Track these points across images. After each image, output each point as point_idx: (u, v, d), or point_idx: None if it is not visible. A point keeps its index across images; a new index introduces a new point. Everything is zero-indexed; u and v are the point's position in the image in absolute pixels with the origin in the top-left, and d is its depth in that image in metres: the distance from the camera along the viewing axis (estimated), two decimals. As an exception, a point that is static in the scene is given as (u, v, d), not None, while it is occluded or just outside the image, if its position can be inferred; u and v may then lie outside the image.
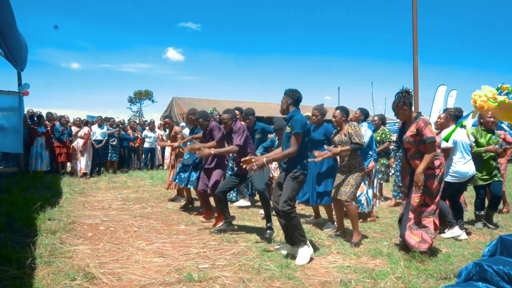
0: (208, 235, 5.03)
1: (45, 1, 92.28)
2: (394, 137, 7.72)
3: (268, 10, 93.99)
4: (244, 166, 4.09)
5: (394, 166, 7.94)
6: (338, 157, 5.03)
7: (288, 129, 4.11)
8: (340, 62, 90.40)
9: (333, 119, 4.95)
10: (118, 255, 4.15)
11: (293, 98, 4.21)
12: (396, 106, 4.21)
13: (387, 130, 7.17)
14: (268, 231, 4.88)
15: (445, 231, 5.05)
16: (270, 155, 4.07)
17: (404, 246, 4.36)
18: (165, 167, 13.21)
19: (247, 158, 4.13)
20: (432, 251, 4.24)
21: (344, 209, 4.87)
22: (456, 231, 4.98)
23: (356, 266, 3.88)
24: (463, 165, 4.99)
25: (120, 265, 3.86)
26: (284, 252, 4.21)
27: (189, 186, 6.39)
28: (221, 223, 5.30)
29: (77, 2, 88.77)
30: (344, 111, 4.92)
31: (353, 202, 4.80)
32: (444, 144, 4.97)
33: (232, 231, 5.14)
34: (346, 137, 4.79)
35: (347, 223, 5.22)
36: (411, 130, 4.12)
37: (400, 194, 7.40)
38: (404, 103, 4.15)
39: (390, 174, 8.23)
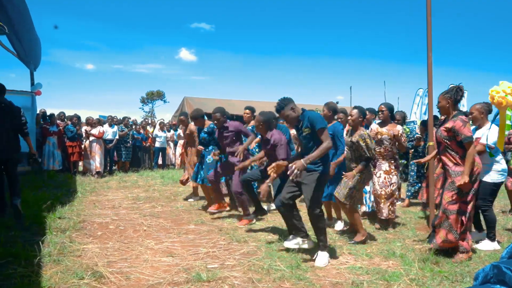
0: (218, 234, 4.97)
1: (61, 2, 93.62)
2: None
3: (280, 11, 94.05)
4: (271, 173, 4.08)
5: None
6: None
7: (306, 130, 3.96)
8: (352, 62, 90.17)
9: (349, 118, 4.81)
10: (127, 254, 4.12)
11: (292, 101, 4.07)
12: (442, 95, 4.10)
13: (407, 129, 7.09)
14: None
15: (481, 242, 4.63)
16: (307, 156, 3.83)
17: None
18: (176, 167, 13.22)
19: (278, 163, 4.13)
20: (451, 252, 4.08)
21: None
22: (495, 245, 4.54)
23: (368, 267, 3.78)
24: (504, 163, 4.73)
25: (129, 264, 3.82)
26: (295, 245, 4.20)
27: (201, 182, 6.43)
28: (226, 208, 5.71)
29: (91, 3, 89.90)
30: (362, 112, 4.79)
31: (358, 205, 4.74)
32: (484, 141, 4.54)
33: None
34: (351, 142, 4.69)
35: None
36: (446, 125, 4.00)
37: (414, 194, 7.27)
38: (451, 96, 4.04)
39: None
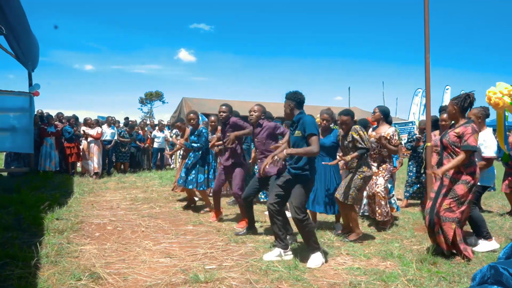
0: (216, 235, 4.97)
1: (60, 4, 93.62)
2: (404, 137, 7.60)
3: (280, 12, 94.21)
4: (262, 172, 4.11)
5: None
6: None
7: (297, 132, 3.97)
8: (351, 62, 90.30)
9: (340, 122, 4.82)
10: (125, 255, 4.12)
11: (296, 100, 4.06)
12: (452, 101, 4.10)
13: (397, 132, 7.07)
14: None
15: (479, 243, 4.57)
16: (292, 149, 3.89)
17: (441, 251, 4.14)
18: (174, 166, 13.21)
19: (266, 161, 4.03)
20: (446, 255, 4.07)
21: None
22: (493, 244, 4.54)
23: (366, 268, 3.78)
24: (493, 168, 4.73)
25: (127, 265, 3.82)
26: (276, 257, 4.03)
27: (190, 186, 6.36)
28: (243, 227, 5.28)
29: (91, 5, 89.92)
30: (351, 115, 4.83)
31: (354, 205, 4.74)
32: (489, 154, 4.66)
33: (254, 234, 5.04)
34: (347, 142, 4.70)
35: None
36: (456, 131, 3.98)
37: (412, 195, 7.27)
38: (457, 103, 4.02)
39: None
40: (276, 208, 4.06)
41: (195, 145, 6.28)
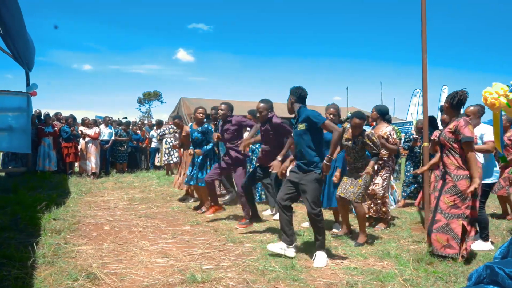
0: (213, 235, 4.97)
1: (60, 4, 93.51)
2: (402, 137, 7.61)
3: (278, 12, 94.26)
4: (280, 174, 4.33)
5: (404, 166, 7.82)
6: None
7: (300, 126, 4.00)
8: (349, 62, 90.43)
9: (353, 125, 4.78)
10: (122, 256, 4.11)
11: (296, 95, 4.14)
12: (445, 99, 4.14)
13: (399, 132, 7.09)
14: None
15: (474, 242, 4.50)
16: (328, 155, 3.91)
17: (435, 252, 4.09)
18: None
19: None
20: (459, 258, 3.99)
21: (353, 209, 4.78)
22: (488, 245, 4.57)
23: (362, 268, 3.79)
24: (496, 164, 4.74)
25: (124, 265, 3.82)
26: (280, 250, 4.10)
27: (191, 183, 6.40)
28: (245, 222, 5.26)
29: (90, 5, 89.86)
30: (365, 119, 4.81)
31: (362, 203, 4.71)
32: (488, 138, 4.61)
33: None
34: (355, 145, 4.68)
35: (355, 224, 5.13)
36: (450, 127, 4.01)
37: (410, 195, 7.28)
38: (448, 101, 4.07)
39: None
40: (286, 204, 4.13)
41: (207, 147, 6.28)
